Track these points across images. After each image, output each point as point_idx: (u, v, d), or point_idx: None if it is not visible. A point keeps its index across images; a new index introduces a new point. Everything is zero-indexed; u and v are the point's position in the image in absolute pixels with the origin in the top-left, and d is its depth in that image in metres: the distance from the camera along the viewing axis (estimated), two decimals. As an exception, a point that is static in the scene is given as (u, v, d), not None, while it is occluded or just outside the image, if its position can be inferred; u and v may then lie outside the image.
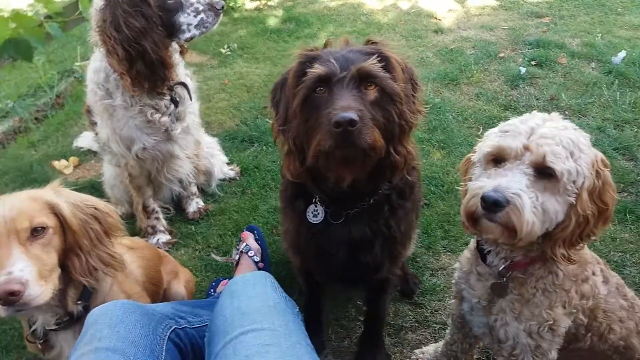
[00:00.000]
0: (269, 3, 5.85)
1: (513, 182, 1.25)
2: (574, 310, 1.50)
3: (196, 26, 2.29)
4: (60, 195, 1.50)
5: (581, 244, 1.37)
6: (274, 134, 1.57)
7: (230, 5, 5.66)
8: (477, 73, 4.10)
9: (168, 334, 1.50)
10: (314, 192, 1.61)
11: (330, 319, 2.32)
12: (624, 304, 1.63)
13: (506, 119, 3.57)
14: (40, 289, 1.33)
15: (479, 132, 3.37)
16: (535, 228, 1.25)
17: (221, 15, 2.36)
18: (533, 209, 1.23)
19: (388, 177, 1.55)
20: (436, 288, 2.41)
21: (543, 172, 1.26)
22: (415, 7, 5.48)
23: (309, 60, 1.45)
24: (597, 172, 1.30)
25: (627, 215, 2.73)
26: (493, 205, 1.24)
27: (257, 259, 2.38)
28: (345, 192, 1.52)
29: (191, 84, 2.60)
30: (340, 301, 2.40)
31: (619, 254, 2.53)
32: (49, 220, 1.41)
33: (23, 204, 1.39)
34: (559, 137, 1.27)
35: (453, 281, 1.76)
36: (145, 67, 2.20)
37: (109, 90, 2.36)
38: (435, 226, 2.73)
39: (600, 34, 4.62)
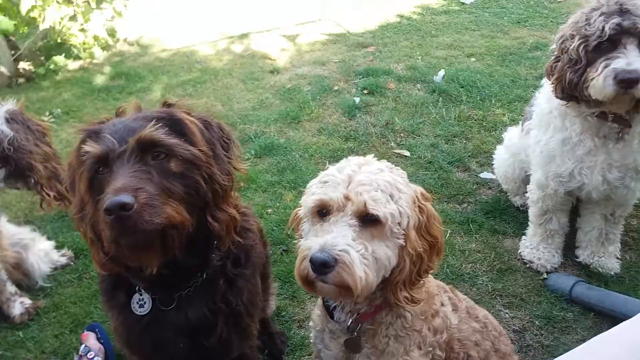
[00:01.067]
0: (94, 61, 5.49)
1: (339, 238, 1.19)
2: (430, 349, 1.48)
3: None
4: None
5: (421, 281, 1.35)
6: (74, 221, 1.38)
7: (50, 68, 5.21)
8: (316, 108, 4.17)
9: None
10: (134, 280, 1.42)
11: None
12: (476, 326, 1.64)
13: (349, 149, 3.66)
14: None
15: (326, 167, 3.39)
16: (369, 280, 1.20)
17: None
18: (364, 260, 1.19)
19: (213, 247, 1.42)
20: (305, 341, 2.30)
21: (367, 220, 1.23)
22: (248, 50, 5.49)
23: (87, 136, 1.30)
24: (419, 207, 1.29)
25: (471, 225, 2.88)
26: (322, 266, 1.18)
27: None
28: (169, 274, 1.36)
29: None
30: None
31: (470, 265, 2.64)
32: None
33: None
34: (376, 181, 1.25)
35: (311, 341, 1.66)
36: None
37: None
38: (297, 273, 2.64)
39: (420, 57, 4.98)
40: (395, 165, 1.39)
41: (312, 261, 1.19)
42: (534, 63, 4.58)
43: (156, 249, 1.25)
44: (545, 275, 2.56)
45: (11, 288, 2.56)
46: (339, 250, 1.18)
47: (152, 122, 1.27)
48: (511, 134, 2.98)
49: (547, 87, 2.35)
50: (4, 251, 2.57)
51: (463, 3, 6.27)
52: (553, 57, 2.17)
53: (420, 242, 1.28)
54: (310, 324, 1.63)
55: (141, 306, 1.43)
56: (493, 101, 4.08)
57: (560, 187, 2.34)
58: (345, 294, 1.23)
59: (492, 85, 4.29)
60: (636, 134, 2.14)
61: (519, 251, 2.69)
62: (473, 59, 4.87)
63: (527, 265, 2.62)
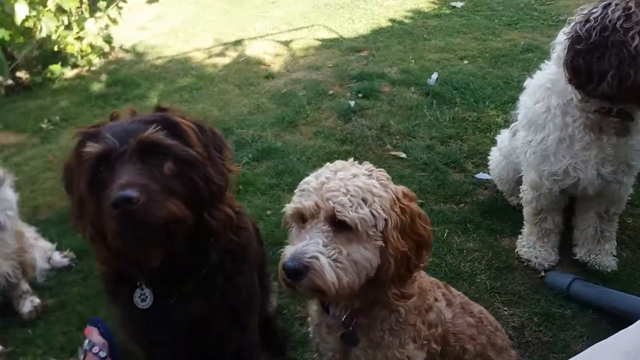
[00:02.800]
0: (91, 68, 5.53)
1: (310, 245, 1.24)
2: (425, 342, 1.51)
3: None
4: None
5: (412, 277, 1.39)
6: (72, 221, 1.42)
7: (47, 76, 5.25)
8: (312, 112, 4.21)
9: None
10: (135, 275, 1.46)
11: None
12: (471, 321, 1.68)
13: (345, 152, 3.70)
14: None
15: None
16: (344, 282, 1.24)
17: None
18: (338, 264, 1.23)
19: (211, 244, 1.46)
20: (307, 338, 2.31)
21: (341, 225, 1.26)
22: (243, 56, 5.53)
23: (86, 138, 1.34)
24: (401, 208, 1.31)
25: (468, 224, 2.91)
26: (294, 274, 1.24)
27: (103, 354, 2.18)
28: (169, 269, 1.40)
29: None
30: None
31: (468, 263, 2.67)
32: None
33: None
34: (346, 187, 1.27)
35: (310, 336, 1.69)
36: None
37: None
38: (295, 273, 2.67)
39: (413, 60, 5.03)
40: (392, 167, 1.42)
41: (284, 269, 1.25)
42: (526, 65, 4.63)
43: (159, 242, 1.30)
44: (543, 273, 2.59)
45: (24, 286, 2.63)
46: (309, 258, 1.23)
47: (152, 125, 1.32)
48: (503, 136, 3.01)
49: (531, 88, 2.38)
50: (26, 253, 2.65)
51: (454, 7, 6.32)
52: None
53: (403, 241, 1.31)
54: (309, 319, 1.67)
55: (143, 300, 1.47)
56: (487, 103, 4.12)
57: (555, 186, 2.36)
58: (322, 296, 1.28)
59: (486, 87, 4.34)
60: (637, 127, 2.16)
61: (516, 250, 2.72)
62: (466, 62, 4.92)
63: (525, 264, 2.65)
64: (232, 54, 5.61)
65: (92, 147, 1.28)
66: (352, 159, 1.42)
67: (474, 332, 1.67)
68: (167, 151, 1.31)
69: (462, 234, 2.87)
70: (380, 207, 1.28)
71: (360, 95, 4.40)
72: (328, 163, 1.41)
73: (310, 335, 1.67)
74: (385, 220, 1.28)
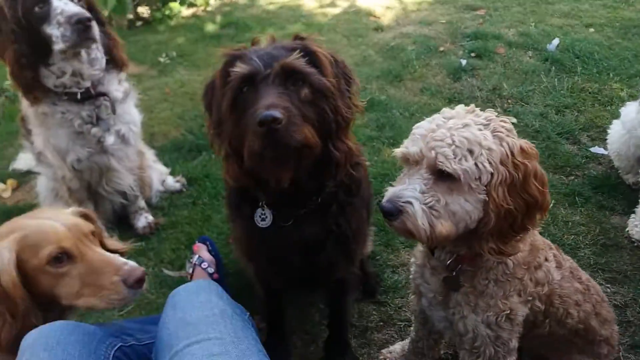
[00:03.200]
0: (207, 8, 5.74)
1: (407, 190, 1.25)
2: (530, 298, 1.49)
3: (62, 39, 2.14)
4: None
5: (517, 236, 1.34)
6: (209, 138, 1.52)
7: (166, 13, 5.52)
8: (420, 68, 4.13)
9: (112, 352, 1.41)
10: (259, 195, 1.55)
11: (294, 326, 2.25)
12: (579, 287, 1.63)
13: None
14: None
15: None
16: (438, 230, 1.25)
17: (83, 29, 2.14)
18: (434, 212, 1.24)
19: (331, 174, 1.51)
20: (398, 285, 2.38)
21: (443, 174, 1.25)
22: (353, 6, 5.49)
23: (233, 59, 1.40)
24: (514, 164, 1.25)
25: (576, 198, 2.79)
26: (387, 215, 1.27)
27: (211, 270, 2.31)
28: (290, 192, 1.47)
29: (117, 94, 2.48)
30: (303, 306, 2.34)
31: (572, 236, 2.57)
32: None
33: (68, 217, 1.52)
34: (452, 138, 1.24)
35: (411, 276, 1.73)
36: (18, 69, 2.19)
37: None
38: (391, 222, 2.71)
39: (533, 23, 4.75)
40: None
41: (380, 208, 1.29)
42: (662, 38, 4.25)
43: (291, 164, 1.36)
44: (655, 256, 2.44)
45: (141, 203, 2.87)
46: (403, 202, 1.24)
47: (294, 52, 1.36)
48: (628, 109, 2.81)
49: None
50: (145, 171, 2.89)
51: (586, -31, 5.84)
52: None
53: (510, 198, 1.26)
54: (412, 259, 1.70)
55: (263, 220, 1.56)
56: (611, 75, 3.84)
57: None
58: (413, 239, 1.30)
59: (611, 59, 4.03)
60: None
61: (627, 229, 2.57)
62: (592, 30, 4.57)
63: (635, 244, 2.51)
64: (342, 4, 5.58)
65: (240, 68, 1.34)
66: (473, 106, 1.37)
67: (580, 299, 1.63)
68: (305, 78, 1.35)
69: (569, 207, 2.75)
70: (487, 160, 1.23)
71: (472, 54, 4.25)
72: (446, 108, 1.38)
73: (411, 276, 1.70)
74: (491, 174, 1.24)
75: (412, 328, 1.96)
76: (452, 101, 3.69)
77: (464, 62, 4.12)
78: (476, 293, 1.46)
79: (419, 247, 1.64)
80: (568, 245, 2.52)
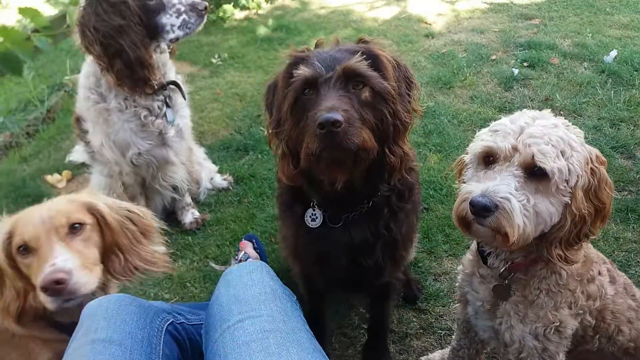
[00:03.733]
0: (259, 12, 5.85)
1: (502, 186, 1.21)
2: (581, 312, 1.47)
3: (179, 27, 2.27)
4: (96, 197, 1.61)
5: (580, 244, 1.34)
6: (269, 136, 1.55)
7: (220, 15, 5.66)
8: (470, 76, 4.09)
9: (165, 326, 1.47)
10: (311, 195, 1.58)
11: (334, 328, 2.27)
12: (632, 304, 1.59)
13: (501, 120, 3.57)
14: (86, 276, 1.42)
15: (475, 135, 3.35)
16: (527, 231, 1.22)
17: (205, 16, 2.32)
18: (524, 212, 1.20)
19: (385, 178, 1.52)
20: (440, 293, 2.37)
21: (533, 173, 1.23)
22: (405, 12, 5.49)
23: (297, 61, 1.43)
24: (592, 169, 1.26)
25: (629, 214, 2.71)
26: (482, 210, 1.21)
27: None
28: (343, 194, 1.49)
29: (183, 85, 2.59)
30: (343, 309, 2.36)
31: (623, 253, 2.50)
32: (87, 218, 1.52)
33: (60, 205, 1.51)
34: (548, 135, 1.23)
35: (457, 284, 1.72)
36: (124, 66, 2.20)
37: (102, 93, 2.35)
38: (436, 230, 2.70)
39: (590, 34, 4.63)
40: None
41: (473, 204, 1.22)
42: None
43: (347, 166, 1.37)
44: None
45: (188, 199, 2.94)
46: (501, 197, 1.20)
47: (357, 55, 1.38)
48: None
49: None
50: (193, 166, 2.96)
51: (649, -21, 5.65)
52: None
53: (586, 204, 1.26)
54: (459, 267, 1.69)
55: (313, 220, 1.59)
56: (670, 89, 3.70)
57: None
58: (501, 240, 1.25)
59: (672, 72, 3.89)
60: None
61: (680, 248, 2.49)
62: (653, 42, 4.42)
63: (688, 264, 2.42)
64: (394, 10, 5.59)
65: (303, 71, 1.37)
66: (549, 110, 1.37)
67: (633, 316, 1.59)
68: (367, 82, 1.37)
69: (621, 223, 2.68)
70: (577, 162, 1.23)
71: (525, 64, 4.18)
72: (525, 109, 1.37)
73: (458, 284, 1.70)
74: (578, 177, 1.24)
75: (453, 336, 1.95)
76: (502, 110, 3.64)
77: (515, 71, 4.05)
78: (526, 303, 1.45)
79: (468, 256, 1.63)
80: (619, 262, 2.45)
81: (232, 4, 5.76)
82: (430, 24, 5.16)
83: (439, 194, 2.94)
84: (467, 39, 4.74)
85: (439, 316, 2.28)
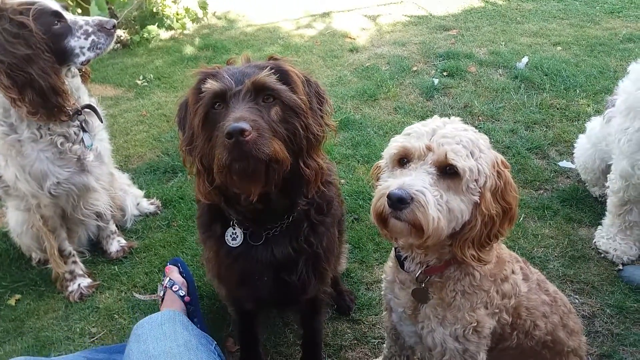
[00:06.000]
0: (185, 32, 5.78)
1: (417, 180, 1.26)
2: (497, 310, 1.52)
3: (89, 48, 2.20)
4: None
5: (491, 244, 1.40)
6: (182, 154, 1.53)
7: (144, 36, 5.54)
8: (394, 88, 4.21)
9: None
10: (230, 212, 1.57)
11: (268, 347, 2.25)
12: (546, 299, 1.67)
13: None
14: None
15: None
16: (441, 225, 1.26)
17: (115, 34, 2.27)
18: (438, 206, 1.25)
19: (302, 192, 1.53)
20: (372, 302, 2.40)
21: (446, 172, 1.29)
22: (329, 28, 5.59)
23: (206, 77, 1.43)
24: (498, 172, 1.33)
25: (546, 211, 2.86)
26: (398, 202, 1.24)
27: (182, 292, 2.29)
28: (261, 210, 1.49)
29: (99, 108, 2.49)
30: (278, 327, 2.34)
31: (542, 249, 2.64)
32: None
33: None
34: (459, 137, 1.30)
35: (382, 292, 1.75)
36: (36, 96, 2.10)
37: (13, 124, 2.23)
38: (367, 240, 2.74)
39: (503, 42, 4.90)
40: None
41: (390, 196, 1.25)
42: (626, 55, 4.40)
43: (260, 178, 1.37)
44: (620, 267, 2.51)
45: (112, 227, 2.84)
46: (416, 190, 1.24)
47: (266, 69, 1.40)
48: (593, 124, 2.91)
49: (636, 74, 2.28)
50: (116, 192, 2.84)
51: (553, -10, 6.05)
52: None
53: (494, 204, 1.33)
54: (383, 275, 1.72)
55: (234, 239, 1.58)
56: (578, 91, 3.97)
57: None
58: (416, 234, 1.29)
59: (578, 75, 4.17)
60: None
61: (594, 240, 2.65)
62: (559, 48, 4.73)
63: (602, 255, 2.58)
64: (319, 26, 5.68)
65: (211, 85, 1.38)
66: (455, 117, 1.43)
67: (547, 310, 1.66)
68: (276, 95, 1.39)
69: (538, 220, 2.82)
70: (485, 163, 1.30)
71: (445, 73, 4.35)
72: (436, 115, 1.44)
73: (382, 292, 1.73)
74: (486, 177, 1.30)
75: (384, 345, 1.98)
76: (424, 119, 3.65)
77: (436, 81, 4.21)
78: (444, 305, 1.49)
79: (389, 263, 1.67)
80: (538, 258, 2.58)
81: (157, 24, 5.66)
82: (354, 39, 5.28)
83: (368, 204, 2.98)
84: (389, 52, 4.88)
85: (372, 325, 2.30)
